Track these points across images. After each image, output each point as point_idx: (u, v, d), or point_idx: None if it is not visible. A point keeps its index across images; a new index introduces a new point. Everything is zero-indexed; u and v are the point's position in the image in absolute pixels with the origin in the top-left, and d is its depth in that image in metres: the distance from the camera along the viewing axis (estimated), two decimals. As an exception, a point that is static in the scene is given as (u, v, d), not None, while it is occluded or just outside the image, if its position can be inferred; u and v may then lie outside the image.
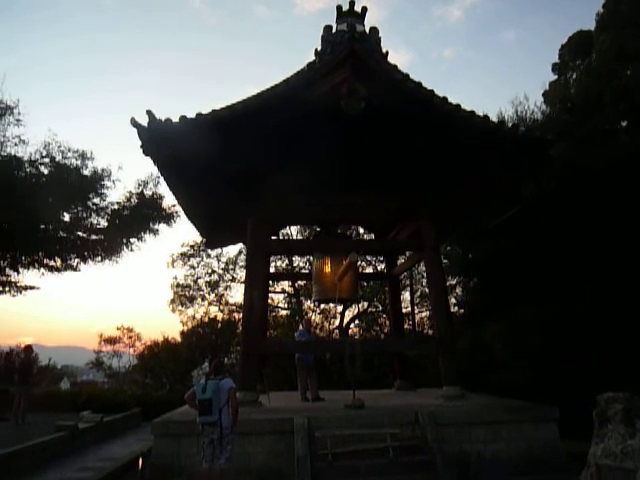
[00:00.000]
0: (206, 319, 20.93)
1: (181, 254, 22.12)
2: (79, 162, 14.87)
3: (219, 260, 22.22)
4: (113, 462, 8.40)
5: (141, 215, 15.35)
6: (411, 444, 6.79)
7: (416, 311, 19.90)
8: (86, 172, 14.95)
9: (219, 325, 21.17)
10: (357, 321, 22.18)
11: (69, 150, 14.81)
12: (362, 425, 7.13)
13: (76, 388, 24.11)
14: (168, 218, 15.84)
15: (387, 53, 8.47)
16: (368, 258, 20.21)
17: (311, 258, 21.35)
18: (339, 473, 6.38)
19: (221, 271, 22.23)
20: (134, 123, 7.46)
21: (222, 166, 8.19)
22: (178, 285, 22.24)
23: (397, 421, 7.29)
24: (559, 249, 10.26)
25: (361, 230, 18.24)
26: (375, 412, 7.65)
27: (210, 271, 22.18)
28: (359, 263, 16.83)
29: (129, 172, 16.65)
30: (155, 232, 15.98)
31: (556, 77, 18.15)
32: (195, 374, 19.96)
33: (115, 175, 15.42)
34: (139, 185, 15.79)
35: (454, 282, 18.07)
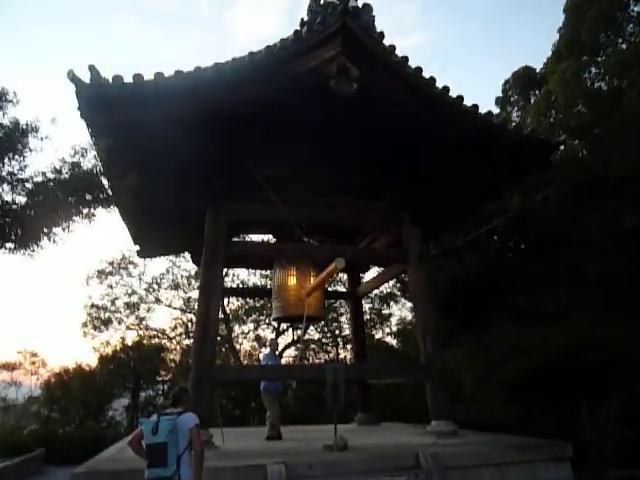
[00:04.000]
0: (129, 343, 18.43)
1: (98, 271, 19.55)
2: None
3: (141, 279, 19.84)
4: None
5: (74, 194, 10.99)
6: (420, 496, 5.44)
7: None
8: (4, 121, 10.45)
9: (139, 351, 18.73)
10: (293, 348, 20.67)
11: None
12: (354, 472, 5.67)
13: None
14: (109, 202, 11.36)
15: (383, 34, 7.41)
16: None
17: (253, 277, 20.02)
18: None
19: (143, 292, 19.86)
20: (72, 77, 5.78)
21: (184, 147, 6.62)
22: (93, 306, 19.61)
23: (393, 465, 5.90)
24: (545, 265, 9.57)
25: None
26: (364, 455, 6.21)
27: (130, 291, 19.74)
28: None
29: (64, 133, 11.67)
30: (90, 217, 11.51)
31: (499, 110, 18.89)
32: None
33: (45, 132, 10.89)
34: (75, 153, 11.02)
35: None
